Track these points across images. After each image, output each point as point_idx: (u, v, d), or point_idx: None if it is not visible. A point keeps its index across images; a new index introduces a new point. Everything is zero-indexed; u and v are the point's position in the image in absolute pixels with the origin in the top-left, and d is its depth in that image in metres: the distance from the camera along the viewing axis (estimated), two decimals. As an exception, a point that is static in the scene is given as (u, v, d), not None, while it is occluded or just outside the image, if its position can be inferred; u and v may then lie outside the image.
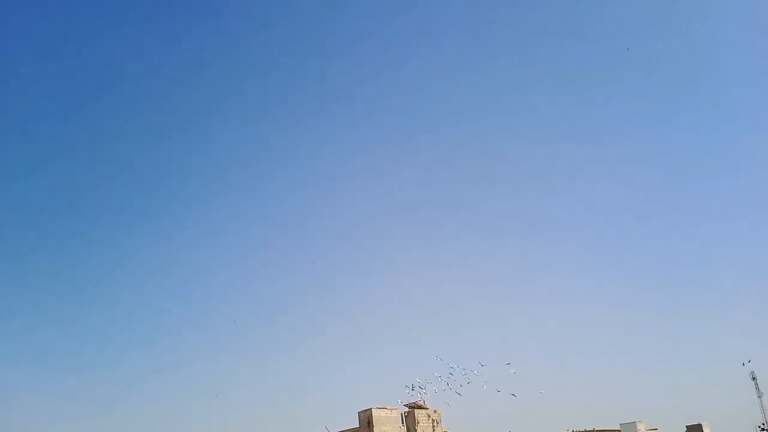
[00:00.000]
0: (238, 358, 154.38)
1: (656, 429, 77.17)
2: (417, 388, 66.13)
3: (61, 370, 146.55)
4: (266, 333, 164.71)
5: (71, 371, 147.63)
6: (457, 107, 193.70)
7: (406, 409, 66.76)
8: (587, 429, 76.08)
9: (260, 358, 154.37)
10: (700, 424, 77.25)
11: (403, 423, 65.24)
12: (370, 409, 63.13)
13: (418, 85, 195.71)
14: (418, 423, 65.80)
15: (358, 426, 63.68)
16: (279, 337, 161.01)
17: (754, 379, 75.97)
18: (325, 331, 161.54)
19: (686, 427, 78.33)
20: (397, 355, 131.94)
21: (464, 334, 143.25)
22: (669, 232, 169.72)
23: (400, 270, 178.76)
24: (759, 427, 63.41)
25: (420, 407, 67.40)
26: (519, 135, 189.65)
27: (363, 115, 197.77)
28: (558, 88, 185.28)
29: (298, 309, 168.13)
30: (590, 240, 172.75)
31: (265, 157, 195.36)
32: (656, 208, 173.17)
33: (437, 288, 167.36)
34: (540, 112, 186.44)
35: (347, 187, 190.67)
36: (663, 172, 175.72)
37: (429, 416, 67.20)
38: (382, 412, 63.61)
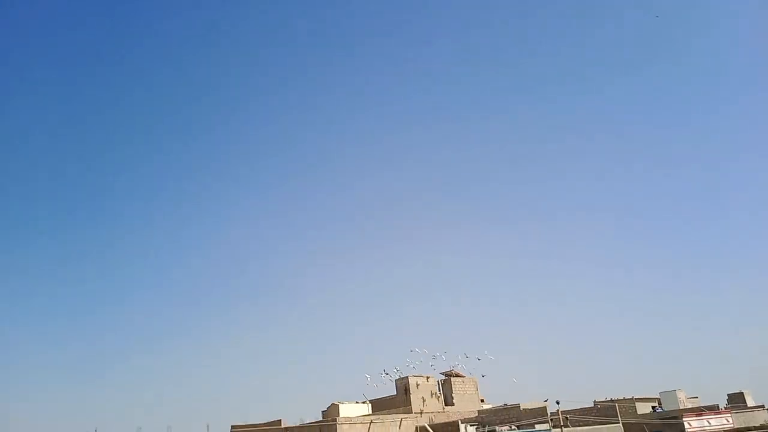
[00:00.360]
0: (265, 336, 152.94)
1: (697, 397, 74.65)
2: (394, 373, 64.55)
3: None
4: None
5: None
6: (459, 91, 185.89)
7: (443, 377, 65.17)
8: (626, 397, 73.82)
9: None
10: (742, 393, 74.67)
11: (440, 390, 63.60)
12: (407, 377, 61.45)
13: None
14: (454, 390, 64.26)
15: (395, 393, 61.97)
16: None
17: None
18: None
19: (727, 395, 75.87)
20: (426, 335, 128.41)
21: (500, 305, 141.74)
22: (710, 197, 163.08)
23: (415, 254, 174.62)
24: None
25: (457, 375, 65.83)
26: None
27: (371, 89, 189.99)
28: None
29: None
30: (626, 206, 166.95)
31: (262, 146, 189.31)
32: (698, 174, 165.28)
33: (462, 266, 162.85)
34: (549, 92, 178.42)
35: (352, 174, 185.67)
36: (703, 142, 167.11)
37: (465, 384, 65.49)
38: (419, 380, 62.07)
